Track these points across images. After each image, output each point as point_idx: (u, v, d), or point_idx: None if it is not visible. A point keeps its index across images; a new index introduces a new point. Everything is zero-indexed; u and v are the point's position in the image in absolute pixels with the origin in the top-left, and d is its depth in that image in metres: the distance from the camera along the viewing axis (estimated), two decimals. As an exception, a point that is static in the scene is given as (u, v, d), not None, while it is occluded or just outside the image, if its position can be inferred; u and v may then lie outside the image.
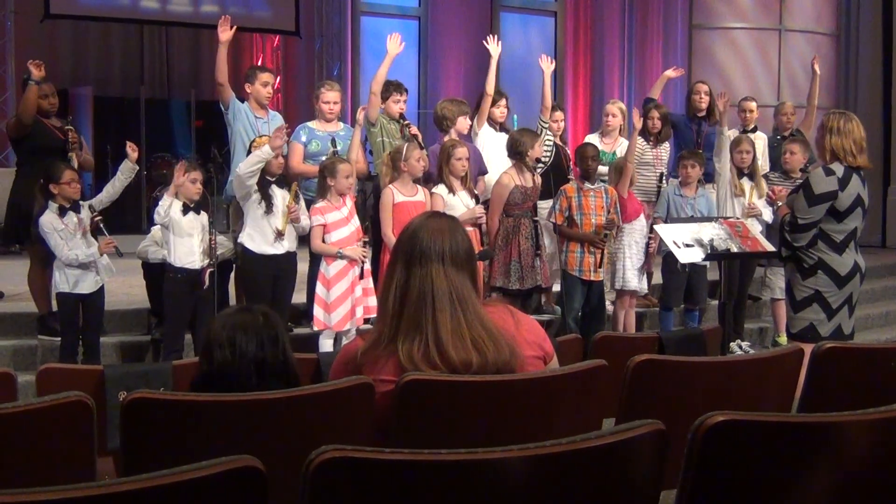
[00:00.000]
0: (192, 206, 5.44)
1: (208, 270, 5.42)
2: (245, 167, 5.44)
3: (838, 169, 4.59)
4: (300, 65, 11.97)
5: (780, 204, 5.17)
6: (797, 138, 7.14)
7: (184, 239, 5.40)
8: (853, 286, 4.72)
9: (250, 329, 2.42)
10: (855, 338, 5.24)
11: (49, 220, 5.29)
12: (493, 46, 6.80)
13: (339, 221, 5.60)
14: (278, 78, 11.24)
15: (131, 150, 5.62)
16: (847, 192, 4.59)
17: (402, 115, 6.29)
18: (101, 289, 5.43)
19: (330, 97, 6.25)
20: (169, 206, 5.34)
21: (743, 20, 10.97)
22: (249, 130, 5.97)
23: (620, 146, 7.35)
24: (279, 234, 5.50)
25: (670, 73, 8.06)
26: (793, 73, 11.06)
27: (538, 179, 6.33)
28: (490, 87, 6.71)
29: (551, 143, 7.00)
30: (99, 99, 11.01)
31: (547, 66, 7.03)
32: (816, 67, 8.21)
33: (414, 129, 6.19)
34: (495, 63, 6.78)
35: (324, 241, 5.59)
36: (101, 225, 5.41)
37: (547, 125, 6.92)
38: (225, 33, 5.92)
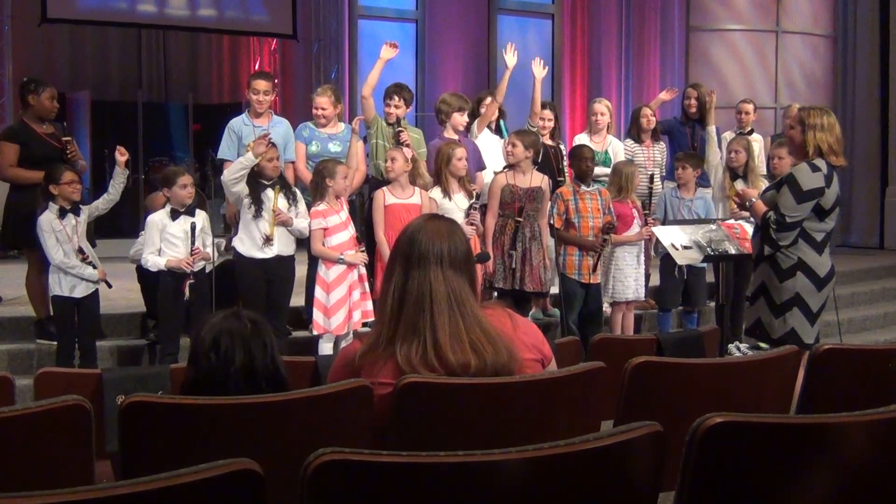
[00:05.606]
0: (182, 211, 5.45)
1: (188, 281, 5.41)
2: (228, 175, 5.47)
3: (823, 165, 4.46)
4: (298, 68, 11.97)
5: (753, 200, 4.70)
6: (784, 142, 7.06)
7: (174, 243, 5.40)
8: (830, 289, 4.59)
9: (237, 336, 2.36)
10: (854, 339, 5.23)
11: (48, 220, 5.29)
12: (510, 57, 6.80)
13: (338, 225, 5.60)
14: (276, 81, 11.28)
15: (120, 155, 5.55)
16: (832, 190, 4.47)
17: (397, 120, 6.25)
18: (96, 292, 5.43)
19: (319, 102, 6.25)
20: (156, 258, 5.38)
21: (740, 22, 10.97)
22: (251, 139, 5.96)
23: (611, 144, 7.36)
24: (267, 240, 5.50)
25: (664, 96, 8.12)
26: (790, 75, 11.07)
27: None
28: (500, 95, 6.71)
29: None
30: (96, 103, 11.00)
31: (539, 70, 7.01)
32: None
33: (404, 137, 6.09)
34: (509, 74, 6.78)
35: (323, 245, 5.59)
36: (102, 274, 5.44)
37: (536, 128, 6.93)
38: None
